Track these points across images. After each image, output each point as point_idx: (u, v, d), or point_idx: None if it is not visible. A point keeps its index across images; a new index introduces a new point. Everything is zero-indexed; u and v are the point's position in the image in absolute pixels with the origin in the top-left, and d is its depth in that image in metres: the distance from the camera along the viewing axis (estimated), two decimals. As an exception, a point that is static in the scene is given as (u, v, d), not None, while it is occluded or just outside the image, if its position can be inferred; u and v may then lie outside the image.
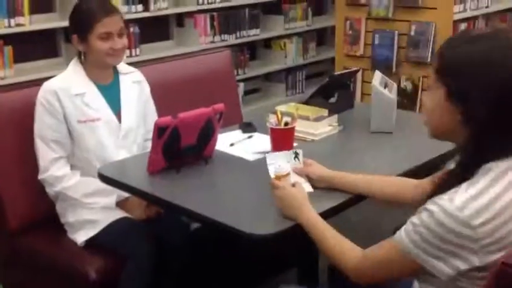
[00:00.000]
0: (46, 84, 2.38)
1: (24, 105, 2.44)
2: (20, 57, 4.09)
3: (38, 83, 2.44)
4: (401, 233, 1.45)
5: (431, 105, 1.48)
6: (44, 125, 2.36)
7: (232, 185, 2.13)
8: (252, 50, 5.51)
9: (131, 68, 2.59)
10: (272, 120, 2.26)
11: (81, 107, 2.38)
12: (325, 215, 1.78)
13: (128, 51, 4.51)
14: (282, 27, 5.51)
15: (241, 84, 5.26)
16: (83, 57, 2.44)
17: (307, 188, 1.92)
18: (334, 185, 1.95)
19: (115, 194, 2.34)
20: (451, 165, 1.55)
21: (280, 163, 1.89)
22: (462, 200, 1.35)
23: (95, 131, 2.39)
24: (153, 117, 2.54)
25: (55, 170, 2.36)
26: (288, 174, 1.85)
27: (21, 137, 2.44)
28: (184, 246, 2.35)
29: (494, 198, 1.36)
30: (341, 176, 1.96)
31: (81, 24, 2.37)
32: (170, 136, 2.10)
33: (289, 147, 2.17)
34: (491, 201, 1.36)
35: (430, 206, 1.39)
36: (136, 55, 4.56)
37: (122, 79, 2.51)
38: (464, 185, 1.38)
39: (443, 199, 1.37)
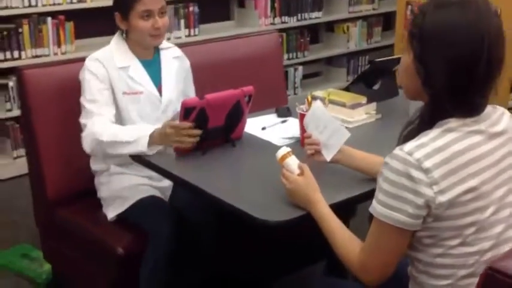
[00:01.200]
0: (91, 56, 2.40)
1: (70, 80, 2.45)
2: (80, 33, 4.21)
3: (84, 58, 2.45)
4: (373, 202, 1.47)
5: (402, 67, 1.52)
6: (93, 89, 2.33)
7: (254, 169, 2.12)
8: (313, 33, 5.43)
9: (170, 44, 2.60)
10: (303, 105, 2.22)
11: (126, 79, 2.40)
12: (338, 206, 1.75)
13: (186, 31, 4.55)
14: (346, 10, 5.40)
15: (300, 68, 5.21)
16: (124, 34, 2.45)
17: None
18: (345, 157, 1.96)
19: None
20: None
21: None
22: (412, 146, 1.40)
23: (137, 103, 2.41)
24: (192, 91, 2.58)
25: (95, 126, 2.28)
26: (288, 153, 1.82)
27: (65, 111, 2.49)
28: (211, 228, 2.33)
29: (445, 145, 1.40)
30: (353, 151, 1.98)
31: (123, 2, 2.38)
32: (197, 117, 2.10)
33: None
34: (442, 147, 1.39)
35: (385, 159, 1.44)
36: (194, 35, 4.58)
37: (163, 54, 2.52)
38: (417, 136, 1.44)
39: (396, 149, 1.43)
